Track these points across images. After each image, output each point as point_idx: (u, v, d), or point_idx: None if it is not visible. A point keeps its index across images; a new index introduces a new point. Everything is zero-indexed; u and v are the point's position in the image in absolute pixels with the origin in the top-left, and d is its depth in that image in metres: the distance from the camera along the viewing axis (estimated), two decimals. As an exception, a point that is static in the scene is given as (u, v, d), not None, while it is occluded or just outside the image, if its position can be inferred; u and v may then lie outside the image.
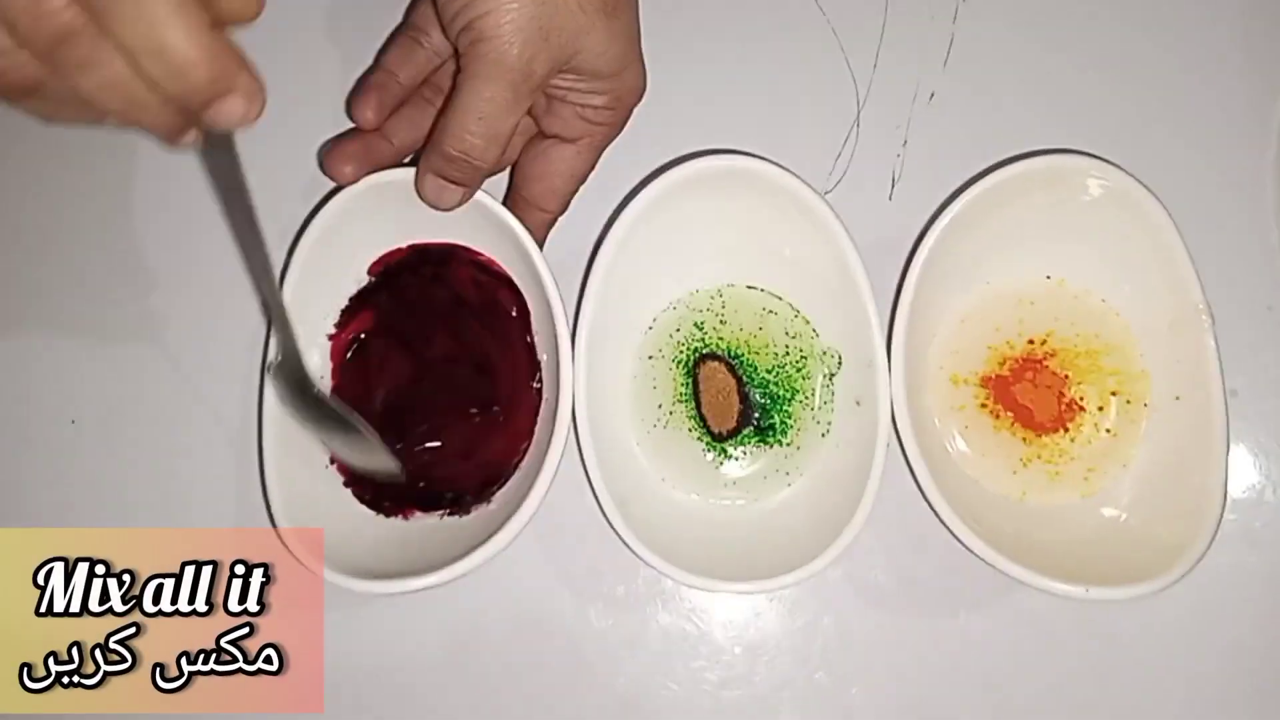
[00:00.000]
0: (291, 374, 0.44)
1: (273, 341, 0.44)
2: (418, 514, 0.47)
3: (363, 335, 0.48)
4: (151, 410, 0.50)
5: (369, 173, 0.45)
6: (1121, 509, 0.45)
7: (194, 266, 0.51)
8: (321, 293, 0.48)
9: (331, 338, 0.48)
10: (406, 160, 0.48)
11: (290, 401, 0.44)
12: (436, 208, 0.43)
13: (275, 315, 0.43)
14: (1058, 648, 0.47)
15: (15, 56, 0.29)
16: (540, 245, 0.46)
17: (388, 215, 0.46)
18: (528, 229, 0.44)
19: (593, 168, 0.46)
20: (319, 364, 0.48)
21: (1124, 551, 0.44)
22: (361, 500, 0.47)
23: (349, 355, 0.48)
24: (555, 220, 0.47)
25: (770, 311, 0.48)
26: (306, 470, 0.46)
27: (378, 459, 0.45)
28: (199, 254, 0.51)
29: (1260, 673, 0.47)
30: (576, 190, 0.47)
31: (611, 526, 0.43)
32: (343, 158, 0.45)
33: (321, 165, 0.46)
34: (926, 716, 0.47)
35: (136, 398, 0.50)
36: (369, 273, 0.48)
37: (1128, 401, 0.46)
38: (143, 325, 0.51)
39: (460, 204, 0.43)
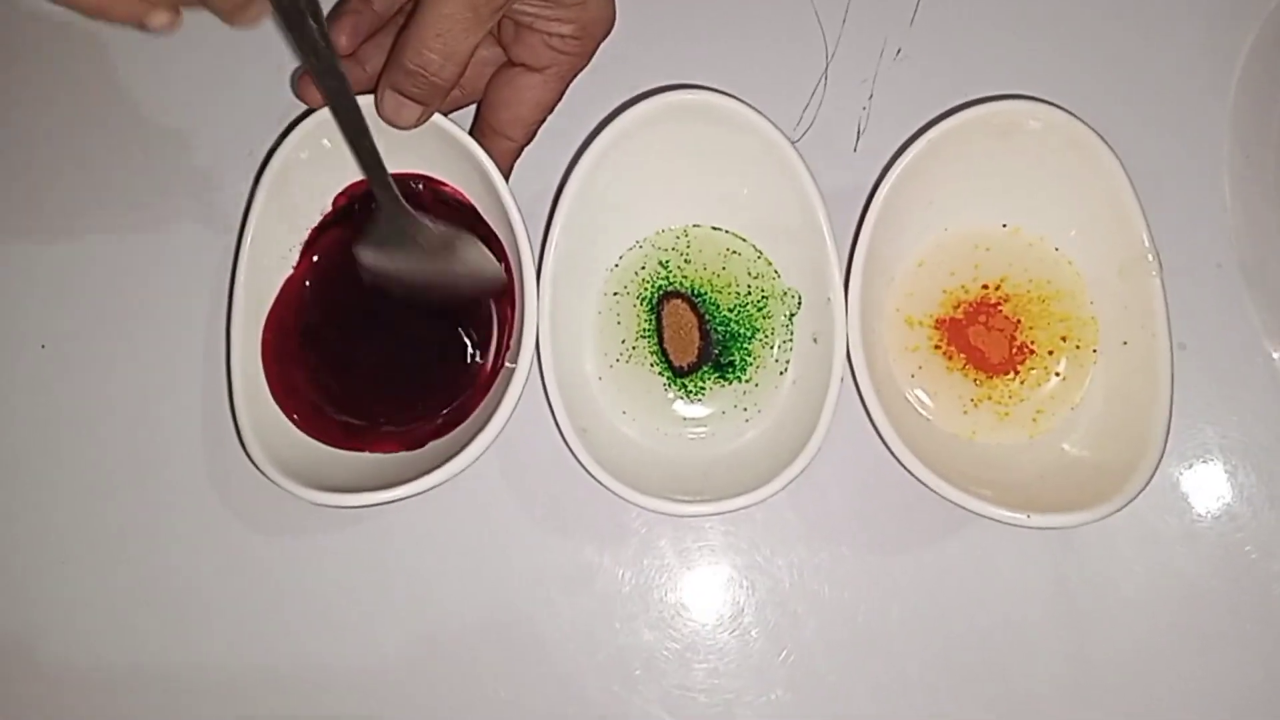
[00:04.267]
0: (394, 221, 0.45)
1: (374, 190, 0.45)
2: (380, 449, 0.47)
3: (323, 267, 0.49)
4: (120, 333, 0.51)
5: None
6: (1068, 448, 0.47)
7: (164, 186, 0.52)
8: (286, 221, 0.48)
9: (293, 267, 0.48)
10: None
11: (397, 245, 0.46)
12: (394, 124, 0.44)
13: (367, 162, 0.43)
14: (1006, 581, 0.48)
15: None
16: (506, 176, 0.47)
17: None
18: (493, 158, 0.45)
19: (559, 97, 0.47)
20: (276, 289, 0.48)
21: (1069, 488, 0.45)
22: (317, 437, 0.47)
23: (310, 285, 0.49)
24: (521, 150, 0.48)
25: (734, 252, 0.49)
26: (271, 408, 0.47)
27: (489, 265, 0.47)
28: (168, 173, 0.52)
29: (1194, 602, 0.48)
30: (543, 120, 0.47)
31: (571, 452, 0.44)
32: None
33: (294, 89, 0.47)
34: (880, 650, 0.48)
35: (107, 318, 0.51)
36: (333, 204, 0.49)
37: (1077, 347, 0.48)
38: (113, 247, 0.52)
39: (418, 123, 0.44)
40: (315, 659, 0.49)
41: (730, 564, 0.49)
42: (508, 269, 0.47)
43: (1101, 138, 0.45)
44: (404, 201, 0.45)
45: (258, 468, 0.44)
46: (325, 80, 0.41)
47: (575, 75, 0.47)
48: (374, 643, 0.49)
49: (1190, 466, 0.49)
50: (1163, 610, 0.48)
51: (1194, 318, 0.50)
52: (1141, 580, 0.48)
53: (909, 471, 0.43)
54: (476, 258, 0.47)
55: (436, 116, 0.45)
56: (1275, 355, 0.50)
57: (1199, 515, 0.49)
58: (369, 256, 0.47)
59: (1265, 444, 0.50)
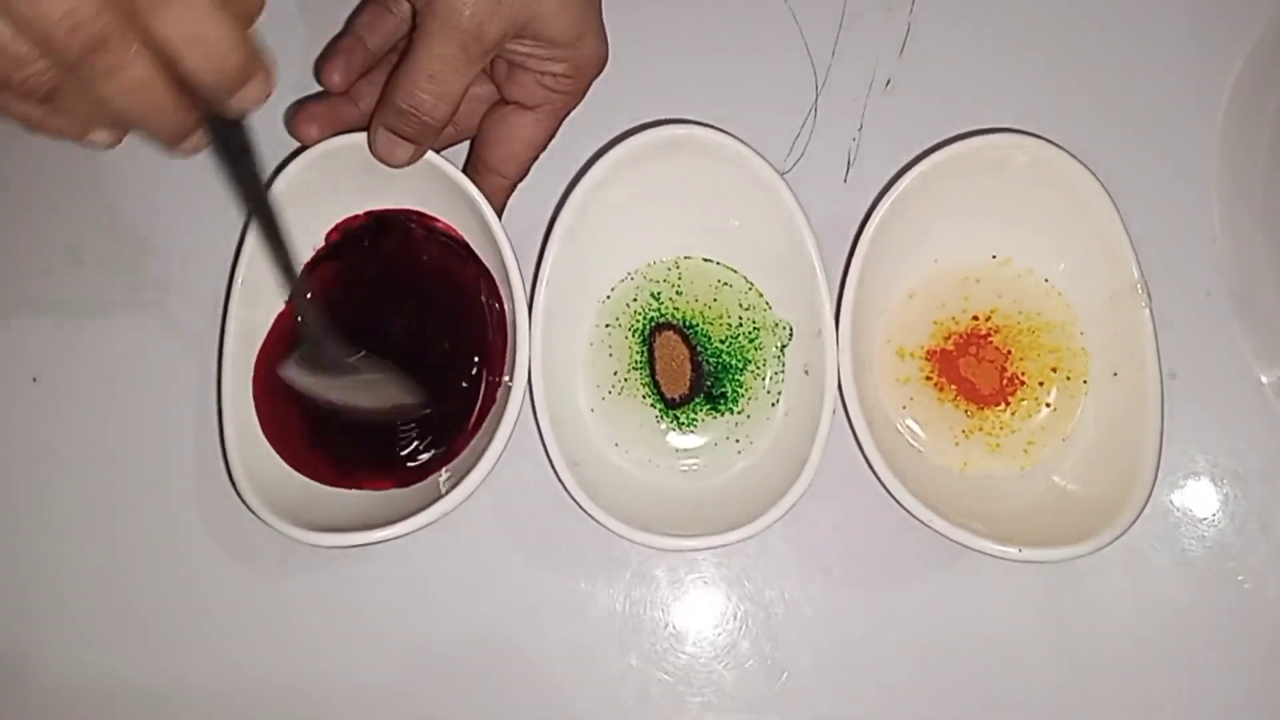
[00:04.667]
0: (313, 352, 0.45)
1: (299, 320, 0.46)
2: (372, 486, 0.47)
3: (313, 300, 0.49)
4: (113, 366, 0.51)
5: (333, 135, 0.46)
6: (1059, 480, 0.47)
7: (158, 226, 0.52)
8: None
9: (285, 304, 0.48)
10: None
11: (317, 374, 0.46)
12: (387, 163, 0.44)
13: (294, 294, 0.44)
14: (998, 611, 0.48)
15: (36, 65, 0.31)
16: (499, 213, 0.47)
17: (347, 181, 0.47)
18: (486, 195, 0.45)
19: (552, 136, 0.47)
20: (268, 325, 0.48)
21: (1060, 520, 0.45)
22: (309, 475, 0.47)
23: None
24: (514, 187, 0.48)
25: (725, 284, 0.50)
26: (263, 445, 0.47)
27: (402, 395, 0.47)
28: (164, 214, 0.52)
29: (1187, 631, 0.48)
30: (535, 158, 0.48)
31: (563, 486, 0.44)
32: (308, 119, 0.46)
33: (287, 126, 0.47)
34: (874, 681, 0.48)
35: (100, 354, 0.51)
36: (326, 238, 0.49)
37: (1067, 378, 0.48)
38: (105, 279, 0.52)
39: (410, 161, 0.44)
40: (307, 692, 0.48)
41: (724, 595, 0.49)
42: (500, 304, 0.47)
43: (1089, 170, 0.46)
44: (318, 326, 0.45)
45: (249, 507, 0.44)
46: (254, 211, 0.41)
47: (568, 113, 0.47)
48: (365, 672, 0.48)
49: (1182, 495, 0.49)
50: (1155, 639, 0.48)
51: (1184, 346, 0.50)
52: (1133, 609, 0.48)
53: (901, 505, 0.43)
54: (391, 390, 0.47)
55: (429, 153, 0.45)
56: (1265, 381, 0.50)
57: (1191, 544, 0.49)
58: (291, 371, 0.46)
59: (1257, 471, 0.50)
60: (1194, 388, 0.50)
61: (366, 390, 0.46)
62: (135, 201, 0.52)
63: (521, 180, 0.48)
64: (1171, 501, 0.49)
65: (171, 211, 0.52)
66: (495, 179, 0.47)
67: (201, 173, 0.51)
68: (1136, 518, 0.42)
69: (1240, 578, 0.49)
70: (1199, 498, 0.49)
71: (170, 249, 0.52)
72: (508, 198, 0.48)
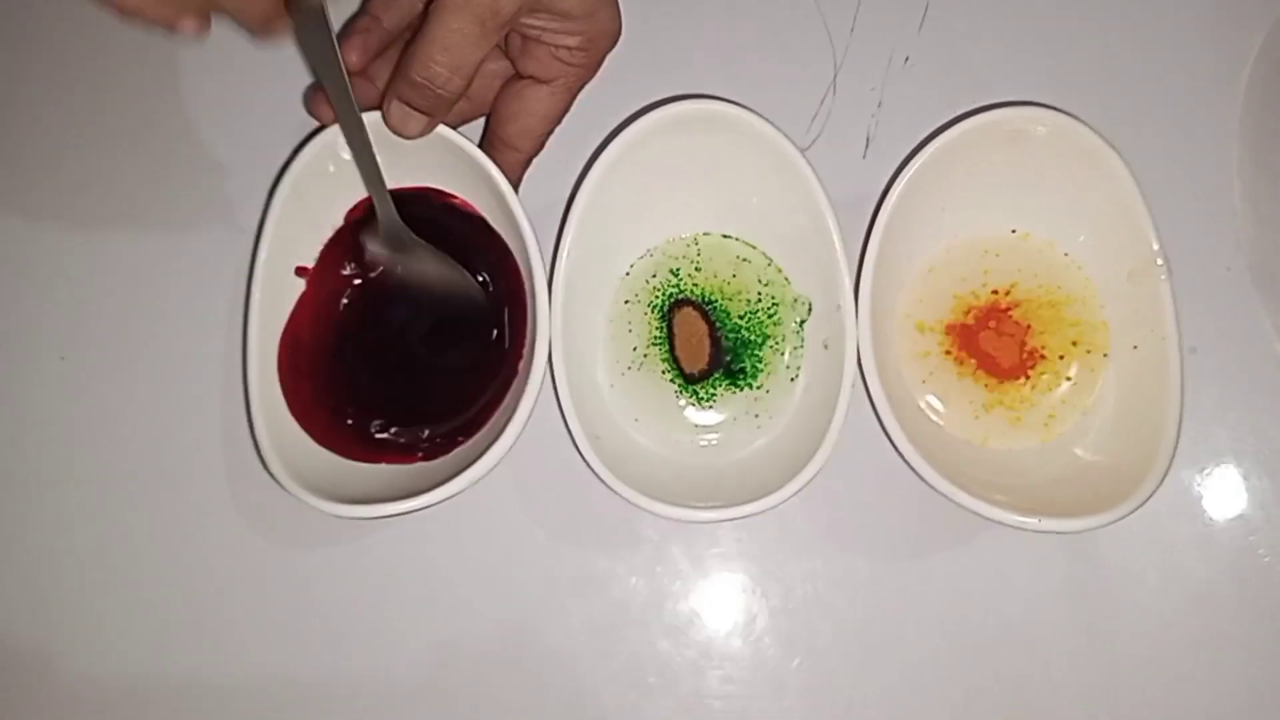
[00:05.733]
0: (390, 232, 0.47)
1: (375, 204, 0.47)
2: (395, 460, 0.48)
3: (336, 278, 0.49)
4: (139, 345, 0.51)
5: None
6: (1080, 453, 0.47)
7: (181, 200, 0.53)
8: (300, 236, 0.49)
9: (308, 282, 0.49)
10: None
11: (391, 251, 0.48)
12: (400, 134, 0.44)
13: (368, 177, 0.45)
14: (1019, 586, 0.48)
15: None
16: (515, 186, 0.47)
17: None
18: (502, 169, 0.46)
19: (567, 109, 0.48)
20: (291, 303, 0.49)
21: (1082, 493, 0.45)
22: (334, 450, 0.47)
23: (325, 300, 0.49)
24: (530, 161, 0.48)
25: (744, 260, 0.50)
26: (289, 421, 0.47)
27: (467, 283, 0.48)
28: (186, 187, 0.52)
29: (1207, 605, 0.48)
30: (551, 131, 0.48)
31: (584, 459, 0.44)
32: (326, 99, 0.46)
33: (306, 106, 0.47)
34: (893, 656, 0.48)
35: (125, 331, 0.51)
36: (345, 218, 0.49)
37: (1088, 351, 0.48)
38: (131, 260, 0.52)
39: (423, 133, 0.45)
40: (330, 668, 0.49)
41: (743, 571, 0.49)
42: (519, 279, 0.48)
43: (1109, 142, 0.45)
44: (398, 218, 0.46)
45: (277, 481, 0.44)
46: (336, 100, 0.42)
47: (582, 87, 0.47)
48: (389, 652, 0.49)
49: (1203, 470, 0.49)
50: (1176, 614, 0.48)
51: (1205, 321, 0.50)
52: (1154, 585, 0.48)
53: (921, 478, 0.43)
54: (460, 278, 0.48)
55: (445, 130, 0.45)
56: (1287, 358, 0.49)
57: (1211, 519, 0.49)
58: (373, 246, 0.48)
59: (1278, 447, 0.49)
60: (1215, 363, 0.50)
61: (435, 265, 0.48)
62: (160, 179, 0.53)
63: (537, 155, 0.48)
64: (1192, 476, 0.49)
65: (194, 191, 0.53)
66: (511, 153, 0.47)
67: (225, 148, 0.53)
68: (1157, 488, 0.42)
69: (1261, 551, 0.48)
70: (1219, 472, 0.49)
71: (194, 229, 0.52)
72: (523, 172, 0.49)
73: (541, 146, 0.48)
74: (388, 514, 0.43)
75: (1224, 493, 0.49)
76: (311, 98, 0.46)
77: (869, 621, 0.49)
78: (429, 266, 0.48)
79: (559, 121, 0.48)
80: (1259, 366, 0.50)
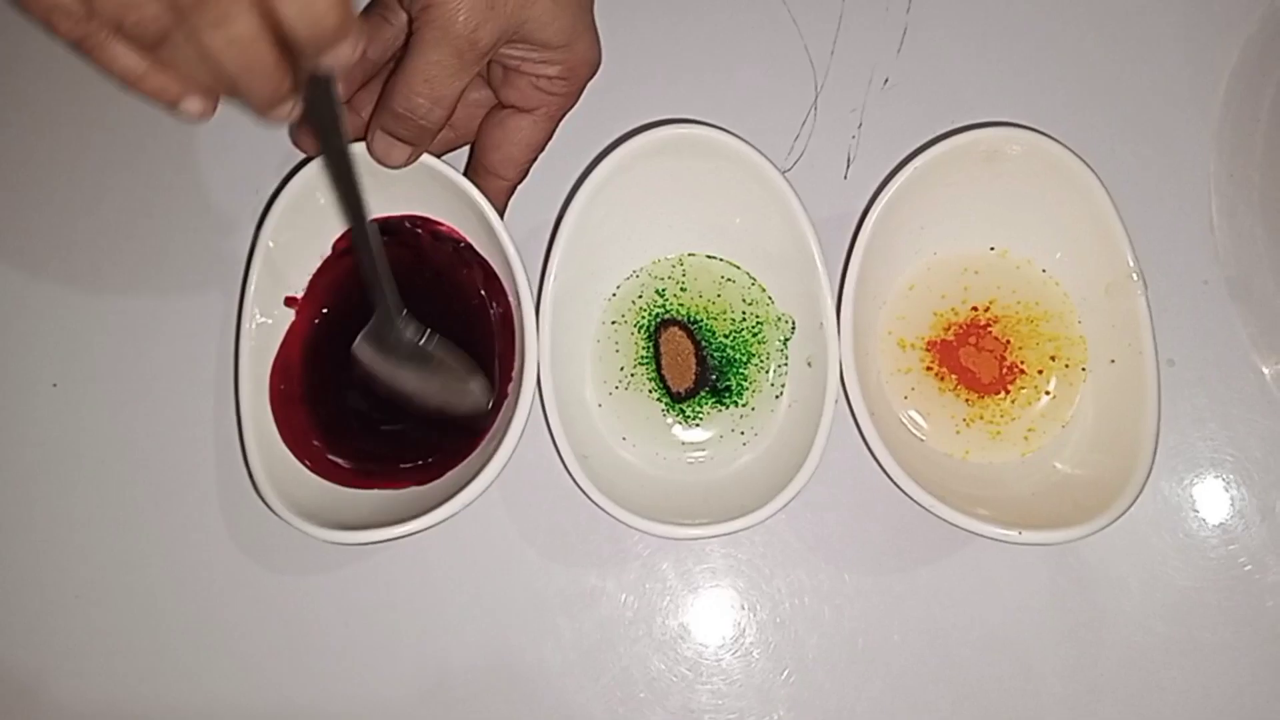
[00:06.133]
0: (386, 333, 0.46)
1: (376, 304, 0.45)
2: (388, 486, 0.48)
3: (326, 311, 0.50)
4: (131, 371, 0.52)
5: None
6: (1060, 465, 0.47)
7: (174, 230, 0.53)
8: (288, 267, 0.49)
9: (297, 311, 0.49)
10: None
11: (385, 358, 0.46)
12: (384, 164, 0.45)
13: (367, 270, 0.43)
14: (1003, 598, 0.49)
15: (149, 8, 0.32)
16: (500, 213, 0.48)
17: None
18: (487, 196, 0.46)
19: (549, 137, 0.48)
20: (282, 333, 0.49)
21: (1062, 505, 0.45)
22: (326, 477, 0.48)
23: (314, 329, 0.50)
24: (514, 189, 0.49)
25: (728, 280, 0.51)
26: (281, 450, 0.48)
27: (473, 394, 0.47)
28: (178, 214, 0.53)
29: (1189, 614, 0.49)
30: (534, 159, 0.49)
31: (573, 479, 0.45)
32: (311, 130, 0.47)
33: (291, 137, 0.48)
34: (881, 668, 0.49)
35: (116, 359, 0.52)
36: (334, 247, 0.50)
37: (1066, 366, 0.49)
38: (123, 286, 0.53)
39: (407, 163, 0.45)
40: (325, 689, 0.49)
41: (732, 586, 0.50)
42: (505, 303, 0.48)
43: (1083, 161, 0.46)
44: (400, 312, 0.45)
45: (270, 508, 0.45)
46: (340, 179, 0.40)
47: (564, 115, 0.48)
48: (383, 672, 0.49)
49: (1183, 481, 0.50)
50: (1158, 623, 0.49)
51: (1182, 334, 0.51)
52: (1136, 594, 0.49)
53: (904, 492, 0.44)
54: (460, 390, 0.48)
55: (430, 159, 0.46)
56: (1265, 370, 0.50)
57: (1192, 529, 0.50)
58: (365, 354, 0.47)
59: (1256, 457, 0.50)
60: (1193, 375, 0.51)
61: (435, 377, 0.47)
62: (150, 210, 0.53)
63: (521, 182, 0.49)
64: (1172, 487, 0.50)
65: (184, 220, 0.53)
66: (495, 181, 0.48)
67: (214, 180, 0.54)
68: (1135, 499, 0.43)
69: (1242, 560, 0.49)
70: (1199, 483, 0.50)
71: (184, 258, 0.53)
72: (508, 199, 0.49)
73: (525, 174, 0.49)
74: (380, 539, 0.44)
75: (1204, 503, 0.50)
76: (298, 129, 0.47)
77: (856, 633, 0.49)
78: (431, 380, 0.47)
79: (541, 149, 0.49)
80: (1236, 378, 0.51)
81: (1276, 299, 0.51)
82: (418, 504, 0.45)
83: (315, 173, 0.47)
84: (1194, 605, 0.49)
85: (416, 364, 0.47)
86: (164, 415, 0.52)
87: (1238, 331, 0.51)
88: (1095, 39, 0.54)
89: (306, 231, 0.49)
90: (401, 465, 0.48)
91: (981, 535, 0.43)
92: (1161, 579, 0.49)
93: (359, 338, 0.47)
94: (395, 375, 0.47)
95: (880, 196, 0.47)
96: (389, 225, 0.49)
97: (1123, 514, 0.43)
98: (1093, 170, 0.46)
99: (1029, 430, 0.48)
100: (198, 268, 0.53)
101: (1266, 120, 0.52)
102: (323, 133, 0.37)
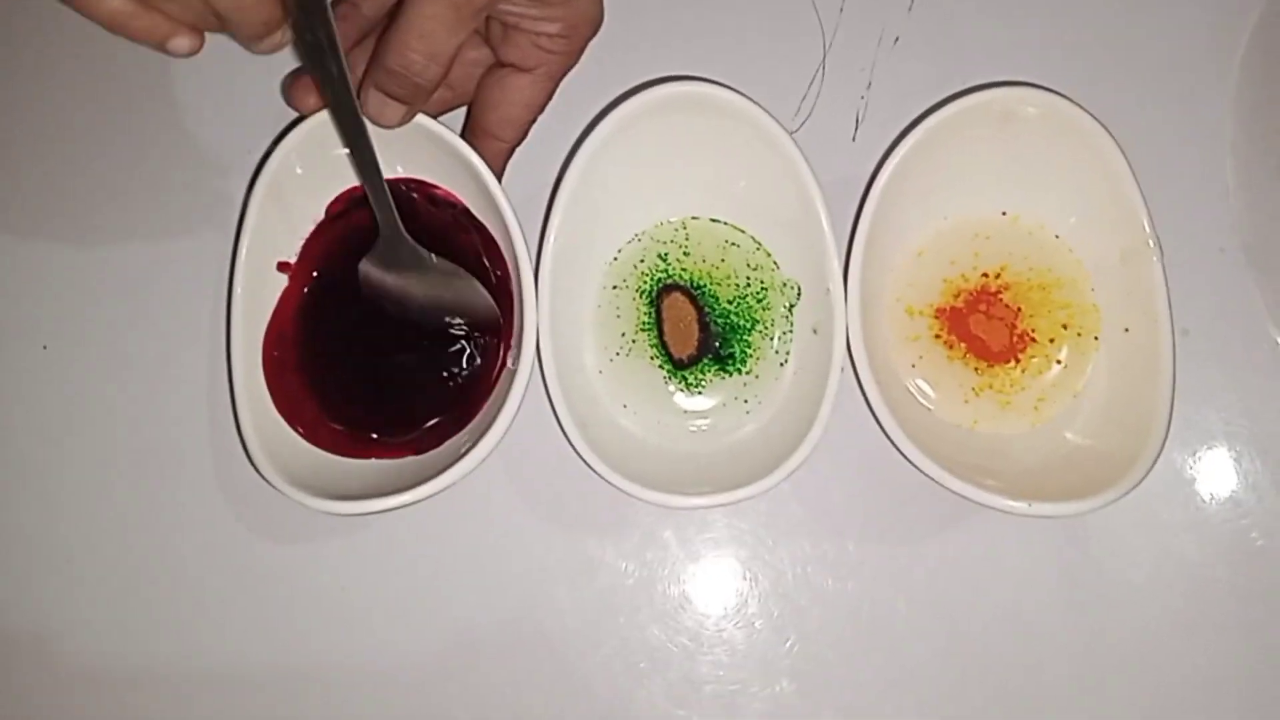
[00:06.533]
0: (393, 245, 0.45)
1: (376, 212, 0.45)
2: (386, 455, 0.47)
3: (319, 276, 0.49)
4: (123, 335, 0.51)
5: None
6: (1070, 436, 0.46)
7: (165, 189, 0.52)
8: (282, 230, 0.48)
9: (290, 277, 0.48)
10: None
11: (394, 271, 0.46)
12: (377, 123, 0.44)
13: (371, 185, 0.44)
14: (1010, 570, 0.48)
15: None
16: (499, 177, 0.47)
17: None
18: (485, 158, 0.45)
19: (550, 97, 0.47)
20: (275, 298, 0.48)
21: (1072, 477, 0.45)
22: (322, 446, 0.47)
23: (308, 294, 0.48)
24: (513, 150, 0.48)
25: (733, 244, 0.49)
26: (275, 418, 0.47)
27: (484, 295, 0.47)
28: (169, 175, 0.52)
29: (1200, 589, 0.48)
30: (534, 120, 0.47)
31: (573, 447, 0.44)
32: (306, 88, 0.45)
33: (284, 95, 0.46)
34: (884, 640, 0.48)
35: (108, 323, 0.51)
36: (326, 211, 0.49)
37: (1079, 334, 0.48)
38: (115, 249, 0.52)
39: (402, 122, 0.44)
40: (323, 660, 0.49)
41: (734, 556, 0.49)
42: (504, 268, 0.47)
43: (1100, 123, 0.45)
44: (404, 230, 0.45)
45: (264, 478, 0.44)
46: (336, 97, 0.41)
47: (565, 74, 0.47)
48: (381, 642, 0.49)
49: (1195, 454, 0.49)
50: (1169, 597, 0.48)
51: (1197, 303, 0.49)
52: (1147, 568, 0.48)
53: (910, 462, 0.43)
54: (471, 293, 0.47)
55: (425, 120, 0.45)
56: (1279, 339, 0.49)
57: (1204, 502, 0.49)
58: (373, 274, 0.47)
59: (1271, 430, 0.49)
60: (1207, 345, 0.50)
61: (444, 286, 0.47)
62: (140, 171, 0.52)
63: (520, 143, 0.48)
64: (1184, 459, 0.49)
65: (175, 184, 0.52)
66: (494, 143, 0.47)
67: (205, 139, 0.52)
68: (1148, 472, 0.42)
69: (1254, 534, 0.48)
70: (1211, 455, 0.49)
71: (176, 222, 0.52)
72: (506, 161, 0.48)
73: (525, 134, 0.48)
74: (376, 510, 0.43)
75: (1216, 476, 0.49)
76: (291, 87, 0.46)
77: (859, 605, 0.48)
78: (439, 286, 0.47)
79: (542, 109, 0.47)
80: (1252, 348, 0.50)
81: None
82: (416, 473, 0.45)
83: (308, 133, 0.46)
84: (1205, 580, 0.48)
85: (423, 272, 0.46)
86: (157, 382, 0.51)
87: (1254, 300, 0.50)
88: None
89: (299, 194, 0.48)
90: (399, 435, 0.47)
91: (989, 507, 0.42)
92: (1172, 553, 0.48)
93: (364, 259, 0.46)
94: (405, 286, 0.47)
95: (889, 159, 0.45)
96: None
97: (1134, 488, 0.42)
98: (1110, 133, 0.45)
99: (1039, 400, 0.47)
100: (189, 230, 0.52)
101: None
102: (317, 57, 0.37)
